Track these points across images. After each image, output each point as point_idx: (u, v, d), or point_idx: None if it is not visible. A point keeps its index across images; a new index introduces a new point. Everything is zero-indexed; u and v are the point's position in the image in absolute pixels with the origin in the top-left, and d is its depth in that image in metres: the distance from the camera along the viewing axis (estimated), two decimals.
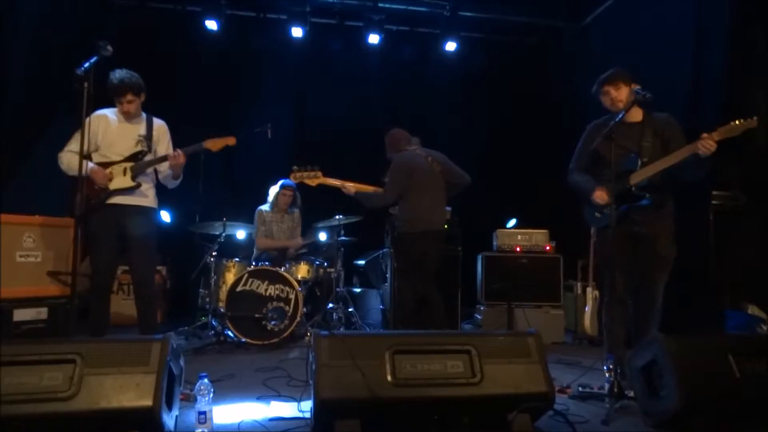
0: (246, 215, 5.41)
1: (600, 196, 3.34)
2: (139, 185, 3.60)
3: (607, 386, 2.93)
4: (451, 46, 6.84)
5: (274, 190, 5.43)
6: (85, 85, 2.83)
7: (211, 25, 6.39)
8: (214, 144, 3.72)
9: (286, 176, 5.51)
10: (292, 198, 5.47)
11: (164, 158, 3.64)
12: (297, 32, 6.55)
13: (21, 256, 3.80)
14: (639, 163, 3.28)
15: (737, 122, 3.02)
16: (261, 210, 5.44)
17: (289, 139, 6.59)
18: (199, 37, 6.48)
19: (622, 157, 3.31)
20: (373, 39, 6.68)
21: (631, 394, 2.86)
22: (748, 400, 2.50)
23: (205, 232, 5.18)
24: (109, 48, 2.96)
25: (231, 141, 3.78)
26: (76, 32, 5.52)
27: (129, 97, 3.56)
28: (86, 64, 2.85)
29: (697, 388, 2.46)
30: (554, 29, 6.96)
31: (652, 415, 2.63)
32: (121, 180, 3.57)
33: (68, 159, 3.53)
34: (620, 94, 3.34)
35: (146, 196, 3.68)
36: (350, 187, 4.30)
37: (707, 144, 3.01)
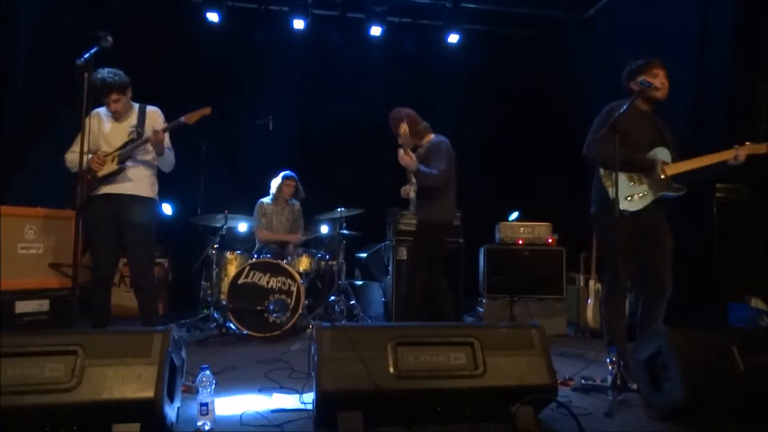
0: (247, 208, 5.40)
1: (666, 170, 3.22)
2: (122, 169, 3.55)
3: (609, 378, 2.93)
4: (453, 38, 6.80)
5: (276, 182, 5.42)
6: (86, 75, 2.82)
7: (212, 17, 6.36)
8: (190, 117, 3.65)
9: (288, 168, 5.53)
10: (294, 188, 5.46)
11: (144, 141, 3.59)
12: (298, 24, 6.52)
13: (23, 248, 3.80)
14: (670, 155, 3.27)
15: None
16: (261, 202, 5.43)
17: (290, 132, 6.58)
18: (200, 29, 6.46)
19: (649, 146, 3.28)
20: (375, 31, 6.64)
21: (634, 386, 2.86)
22: (752, 393, 2.48)
23: (207, 224, 5.17)
24: (110, 38, 2.94)
25: (206, 111, 3.69)
26: (77, 24, 5.49)
27: (114, 96, 3.54)
28: (86, 55, 2.84)
29: (701, 381, 2.45)
30: (557, 21, 6.92)
31: (656, 407, 2.62)
32: (107, 166, 3.55)
33: (72, 158, 3.54)
34: (666, 81, 3.30)
35: (140, 186, 3.65)
36: (411, 156, 3.89)
37: (742, 156, 3.15)
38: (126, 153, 3.58)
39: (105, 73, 3.49)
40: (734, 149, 3.17)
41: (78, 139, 3.50)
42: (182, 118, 3.63)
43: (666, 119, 3.45)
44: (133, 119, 3.68)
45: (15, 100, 5.25)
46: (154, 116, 3.76)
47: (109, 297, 3.68)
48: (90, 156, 3.45)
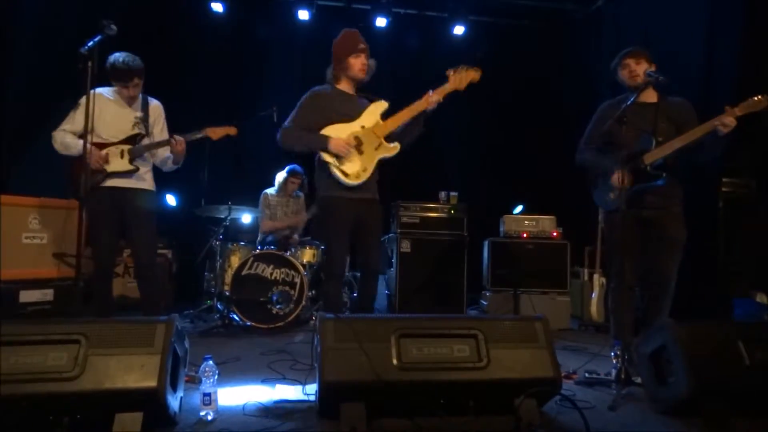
0: (251, 199, 5.39)
1: (618, 178, 3.22)
2: (137, 169, 3.52)
3: (614, 372, 2.91)
4: (459, 29, 6.77)
5: (281, 176, 5.40)
6: (89, 64, 2.80)
7: (217, 7, 6.34)
8: (215, 132, 3.62)
9: (291, 161, 5.51)
10: (299, 185, 5.45)
11: (163, 143, 3.56)
12: (303, 15, 6.50)
13: (27, 238, 3.81)
14: (653, 142, 3.24)
15: (758, 98, 2.99)
16: (266, 193, 5.42)
17: None
18: (205, 19, 6.43)
19: (637, 138, 3.26)
20: (381, 22, 6.61)
21: (638, 380, 2.84)
22: (757, 387, 2.47)
23: (211, 215, 5.18)
24: (114, 27, 2.91)
25: (232, 131, 3.68)
26: (81, 13, 5.48)
27: (136, 80, 3.48)
28: (90, 43, 2.81)
29: (706, 375, 2.43)
30: (564, 13, 6.86)
31: (660, 401, 2.61)
32: (118, 162, 3.49)
33: (61, 138, 3.43)
34: (639, 68, 3.28)
35: (144, 180, 3.61)
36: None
37: (726, 120, 3.00)
38: (138, 151, 3.52)
39: (127, 56, 3.43)
40: (715, 119, 3.04)
41: (69, 118, 3.45)
42: (206, 132, 3.59)
43: (678, 105, 3.42)
44: (137, 109, 3.62)
45: (18, 89, 5.24)
46: (157, 111, 3.71)
47: (111, 287, 3.66)
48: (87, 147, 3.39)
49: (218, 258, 4.88)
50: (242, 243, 5.00)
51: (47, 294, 3.78)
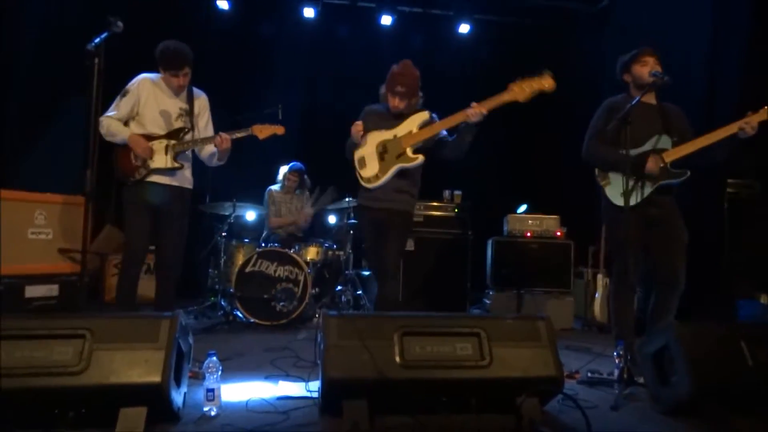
0: (255, 196, 5.41)
1: (653, 164, 3.19)
2: (181, 166, 3.45)
3: (616, 372, 2.92)
4: (464, 28, 6.78)
5: (283, 170, 5.44)
6: (96, 61, 2.80)
7: (223, 4, 6.36)
8: (261, 131, 3.51)
9: (296, 159, 5.52)
10: (298, 182, 5.46)
11: (207, 140, 3.48)
12: (309, 12, 6.52)
13: (33, 233, 3.83)
14: (670, 142, 3.24)
15: None
16: (271, 190, 5.44)
17: (299, 121, 6.56)
18: (210, 17, 6.46)
19: (648, 137, 3.26)
20: (386, 20, 6.62)
21: (641, 380, 2.84)
22: (760, 388, 2.46)
23: (215, 212, 5.19)
24: (120, 24, 2.91)
25: (280, 130, 3.55)
26: (84, 10, 5.50)
27: (186, 70, 3.41)
28: (97, 40, 2.82)
29: (708, 375, 2.44)
30: (570, 12, 6.84)
31: (662, 401, 2.61)
32: (162, 159, 3.40)
33: (107, 123, 3.33)
34: (657, 68, 3.26)
35: (186, 178, 3.54)
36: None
37: (754, 122, 3.02)
38: (182, 148, 3.44)
39: (177, 44, 3.38)
40: (740, 121, 3.07)
41: (116, 104, 3.38)
42: (252, 131, 3.50)
43: (675, 103, 3.46)
44: (183, 101, 3.52)
45: (23, 85, 5.26)
46: (203, 104, 3.62)
47: (138, 280, 3.52)
48: (130, 133, 3.33)
49: (222, 255, 4.89)
50: (246, 240, 5.02)
51: (53, 289, 3.80)
